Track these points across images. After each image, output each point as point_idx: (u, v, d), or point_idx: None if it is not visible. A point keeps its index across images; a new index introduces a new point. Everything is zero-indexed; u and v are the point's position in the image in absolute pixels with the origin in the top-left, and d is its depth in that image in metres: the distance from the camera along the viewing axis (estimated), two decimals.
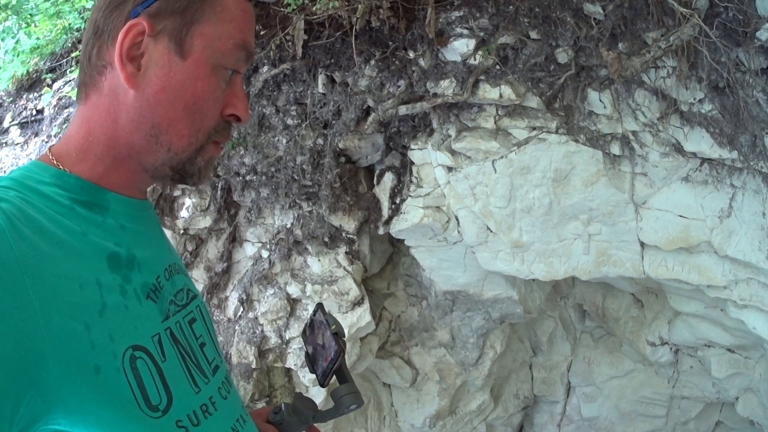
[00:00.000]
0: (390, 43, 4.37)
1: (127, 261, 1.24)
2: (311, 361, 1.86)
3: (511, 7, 4.15)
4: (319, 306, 1.93)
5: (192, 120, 1.28)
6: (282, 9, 4.44)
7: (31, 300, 0.99)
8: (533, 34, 4.12)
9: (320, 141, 4.65)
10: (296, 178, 4.72)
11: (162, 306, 1.30)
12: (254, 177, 4.80)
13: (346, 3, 4.23)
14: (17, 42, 7.24)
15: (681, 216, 4.20)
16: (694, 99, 3.96)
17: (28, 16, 7.56)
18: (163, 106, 1.25)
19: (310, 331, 1.91)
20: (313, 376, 1.86)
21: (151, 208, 1.49)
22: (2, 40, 7.72)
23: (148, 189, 1.70)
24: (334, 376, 1.78)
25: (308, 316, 1.95)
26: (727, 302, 4.37)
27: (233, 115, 1.35)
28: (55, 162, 1.26)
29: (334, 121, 4.60)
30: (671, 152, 4.08)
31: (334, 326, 1.81)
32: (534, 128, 4.24)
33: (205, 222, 5.03)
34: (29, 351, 0.97)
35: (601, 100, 4.12)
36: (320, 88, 4.57)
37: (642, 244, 4.40)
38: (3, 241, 1.00)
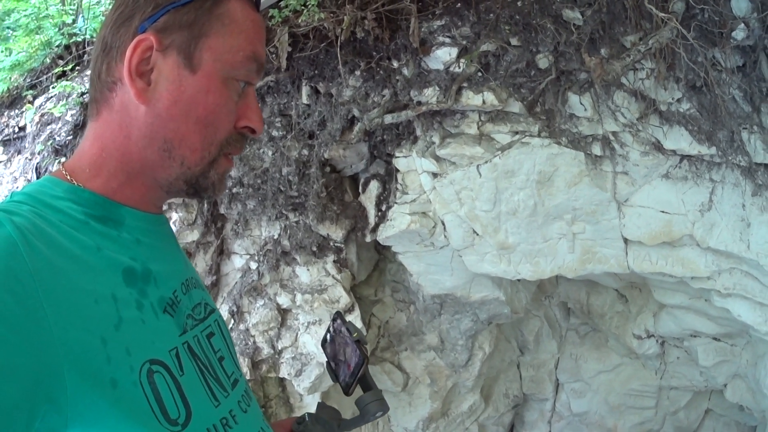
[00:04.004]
0: (374, 53, 4.39)
1: (142, 275, 1.24)
2: (333, 371, 1.84)
3: (491, 15, 4.19)
4: (338, 314, 1.90)
5: (204, 133, 1.27)
6: (266, 21, 4.45)
7: (46, 314, 0.99)
8: (514, 41, 4.16)
9: (306, 152, 4.66)
10: (282, 189, 4.72)
11: (179, 320, 1.30)
12: (240, 189, 4.80)
13: (332, 14, 4.26)
14: None
15: (663, 211, 4.26)
16: (673, 98, 4.03)
17: (6, 30, 7.51)
18: (175, 120, 1.25)
19: (330, 340, 1.88)
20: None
21: (166, 222, 1.48)
22: None
23: None
24: (359, 384, 1.77)
25: (327, 326, 1.92)
26: (711, 292, 4.43)
27: (247, 127, 1.34)
28: (68, 177, 1.26)
29: (319, 132, 4.61)
30: (651, 151, 4.14)
31: (355, 334, 1.79)
32: (517, 132, 4.27)
33: (193, 236, 5.02)
34: (44, 365, 0.97)
35: (581, 103, 4.16)
36: (305, 99, 4.58)
37: (626, 241, 4.45)
38: (17, 254, 1.00)
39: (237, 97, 1.31)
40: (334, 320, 1.90)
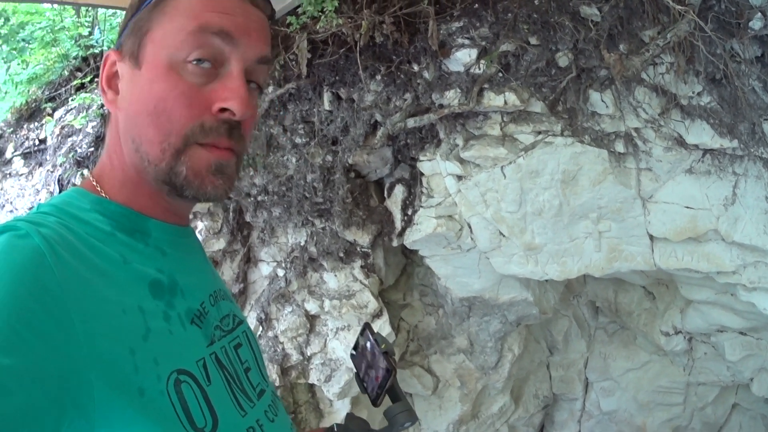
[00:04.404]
0: (394, 57, 4.40)
1: (169, 287, 1.25)
2: (362, 381, 1.82)
3: (509, 14, 4.18)
4: (366, 326, 1.89)
5: (158, 124, 1.22)
6: (284, 28, 4.46)
7: (74, 323, 1.00)
8: (533, 40, 4.15)
9: (329, 158, 4.67)
10: (308, 195, 4.73)
11: (207, 331, 1.30)
12: (265, 197, 4.82)
13: (350, 20, 4.26)
14: (10, 74, 7.23)
15: (687, 207, 4.24)
16: (693, 92, 4.00)
17: (21, 42, 7.55)
18: (133, 118, 1.24)
19: (358, 351, 1.88)
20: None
21: (192, 234, 1.49)
22: None
23: None
24: (387, 395, 1.75)
25: (356, 337, 1.91)
26: (737, 286, 4.40)
27: (226, 110, 1.23)
28: (97, 188, 1.28)
29: (342, 138, 4.62)
30: (674, 146, 4.12)
31: (383, 345, 1.77)
32: (540, 132, 4.27)
33: (219, 244, 5.05)
34: (71, 372, 0.97)
35: (603, 100, 4.15)
36: (327, 106, 4.59)
37: (651, 237, 4.43)
38: (44, 265, 1.01)
39: (199, 79, 1.23)
40: (362, 331, 1.89)
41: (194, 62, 1.22)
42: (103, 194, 1.28)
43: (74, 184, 5.72)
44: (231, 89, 1.23)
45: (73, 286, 1.03)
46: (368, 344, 1.83)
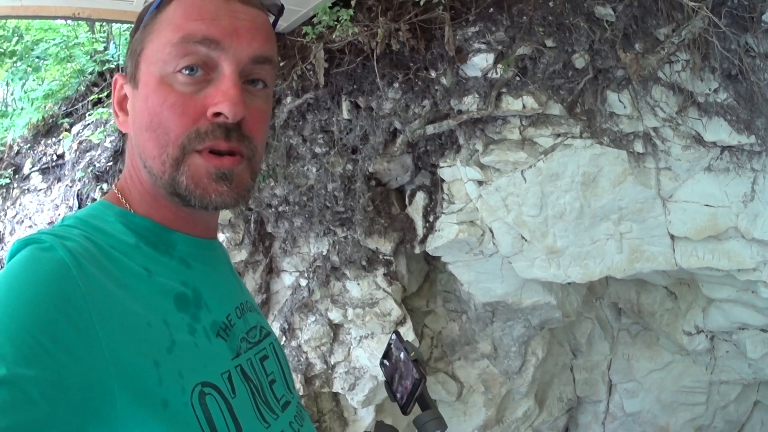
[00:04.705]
0: (411, 64, 4.41)
1: (194, 301, 1.25)
2: (391, 390, 1.83)
3: (524, 17, 4.19)
4: (396, 334, 1.91)
5: (156, 137, 1.21)
6: (300, 39, 4.48)
7: (98, 335, 1.00)
8: (549, 42, 4.16)
9: (350, 167, 4.68)
10: (329, 205, 4.75)
11: (233, 344, 1.30)
12: (287, 207, 4.83)
13: (365, 28, 4.27)
14: (26, 90, 7.27)
15: (707, 205, 4.23)
16: (710, 89, 4.00)
17: (36, 60, 7.59)
18: (137, 136, 1.26)
19: (388, 360, 1.89)
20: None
21: (219, 247, 1.49)
22: (10, 83, 7.76)
23: None
24: (417, 403, 1.76)
25: (386, 345, 1.93)
26: (758, 283, 4.38)
27: (219, 114, 1.20)
28: (123, 201, 1.29)
29: (362, 146, 4.63)
30: (692, 144, 4.11)
31: (413, 353, 1.79)
32: (559, 135, 4.27)
33: (241, 255, 5.06)
34: (95, 383, 0.98)
35: (620, 101, 4.15)
36: (345, 115, 4.61)
37: (672, 237, 4.42)
38: (69, 277, 1.02)
39: (190, 87, 1.21)
40: (391, 339, 1.90)
41: (183, 71, 1.20)
42: (128, 207, 1.29)
43: (94, 199, 5.76)
44: (222, 92, 1.19)
45: (97, 299, 1.04)
46: (398, 353, 1.85)
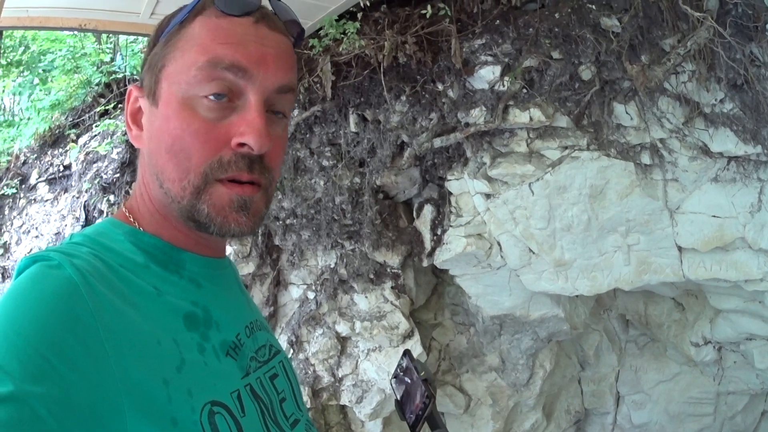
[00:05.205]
0: (418, 77, 4.41)
1: (204, 320, 1.24)
2: (401, 408, 1.83)
3: (531, 29, 4.20)
4: (407, 353, 1.91)
5: (177, 162, 1.19)
6: (307, 51, 4.48)
7: (107, 353, 1.00)
8: (555, 54, 4.17)
9: (357, 180, 4.68)
10: (336, 218, 4.75)
11: (242, 363, 1.29)
12: (294, 220, 4.84)
13: (372, 41, 4.28)
14: (33, 100, 7.29)
15: (714, 216, 4.24)
16: (716, 99, 4.01)
17: (43, 72, 7.61)
18: (154, 155, 1.23)
19: (398, 378, 1.89)
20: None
21: (229, 266, 1.47)
22: (18, 94, 7.79)
23: None
24: (426, 422, 1.76)
25: (397, 364, 1.93)
26: (765, 294, 4.40)
27: (241, 144, 1.18)
28: (131, 219, 1.28)
29: (369, 159, 4.63)
30: (699, 155, 4.12)
31: (423, 372, 1.80)
32: (566, 147, 4.28)
33: (248, 268, 5.06)
34: (104, 401, 0.97)
35: (627, 112, 4.16)
36: (353, 128, 4.61)
37: (679, 249, 4.42)
38: (77, 295, 1.01)
39: (215, 114, 1.19)
40: (402, 358, 1.91)
41: (209, 97, 1.18)
42: (137, 225, 1.27)
43: (101, 210, 5.77)
44: (248, 123, 1.17)
45: (106, 317, 1.03)
46: (408, 371, 1.85)
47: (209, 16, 1.21)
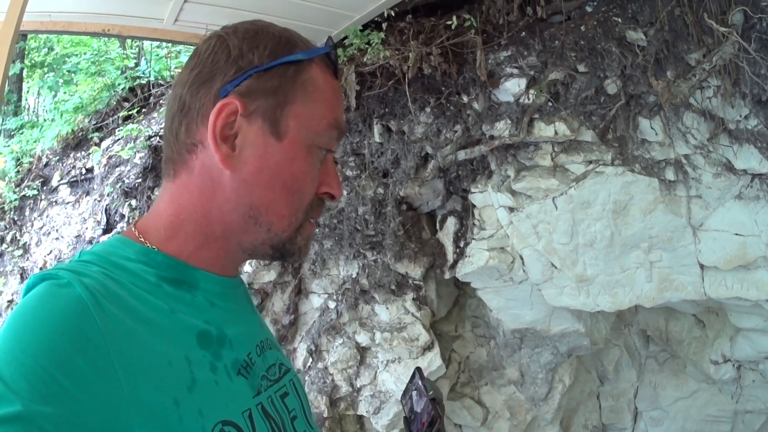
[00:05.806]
0: (443, 88, 4.41)
1: (217, 339, 1.23)
2: (408, 426, 1.81)
3: (557, 42, 4.20)
4: (417, 370, 1.90)
5: (291, 200, 1.25)
6: None
7: (117, 374, 1.00)
8: (581, 68, 4.16)
9: (381, 190, 4.69)
10: (359, 228, 4.75)
11: (253, 382, 1.29)
12: (316, 229, 4.83)
13: (397, 52, 4.28)
14: (57, 102, 7.33)
15: (737, 234, 4.20)
16: (740, 116, 3.99)
17: (66, 73, 7.66)
18: (261, 187, 1.23)
19: (408, 395, 1.87)
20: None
21: (241, 284, 1.47)
22: (41, 94, 7.85)
23: None
24: None
25: (407, 382, 1.94)
26: None
27: (327, 193, 1.32)
28: (141, 239, 1.26)
29: (393, 170, 4.64)
30: (723, 172, 4.10)
31: (431, 392, 1.76)
32: (590, 162, 4.26)
33: (270, 276, 5.06)
34: (114, 421, 0.97)
35: (652, 127, 4.14)
36: (377, 138, 4.62)
37: (701, 266, 4.39)
38: (87, 315, 1.01)
39: (319, 164, 1.29)
40: (412, 377, 1.90)
41: (322, 150, 1.29)
42: (148, 244, 1.26)
43: (122, 215, 5.79)
44: (333, 177, 1.33)
45: (116, 337, 1.03)
46: (417, 389, 1.84)
47: (321, 67, 1.31)
